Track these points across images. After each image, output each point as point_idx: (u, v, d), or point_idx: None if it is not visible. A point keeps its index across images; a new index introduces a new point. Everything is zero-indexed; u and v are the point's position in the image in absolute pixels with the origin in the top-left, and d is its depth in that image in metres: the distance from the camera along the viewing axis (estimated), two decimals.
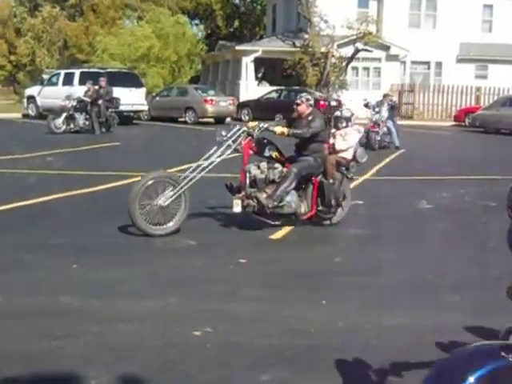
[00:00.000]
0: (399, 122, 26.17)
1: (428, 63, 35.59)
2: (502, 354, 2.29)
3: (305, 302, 5.23)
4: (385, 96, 18.97)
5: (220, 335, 4.46)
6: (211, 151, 7.74)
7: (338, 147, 8.45)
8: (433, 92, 33.57)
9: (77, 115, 20.45)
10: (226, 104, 27.96)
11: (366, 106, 18.32)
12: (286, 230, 7.66)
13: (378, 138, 17.50)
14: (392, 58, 34.18)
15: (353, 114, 9.07)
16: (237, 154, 7.99)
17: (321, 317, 4.90)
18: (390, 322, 4.79)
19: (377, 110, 17.81)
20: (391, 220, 8.61)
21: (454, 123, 30.45)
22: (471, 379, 2.23)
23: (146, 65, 33.55)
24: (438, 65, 35.53)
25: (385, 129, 17.82)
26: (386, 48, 33.87)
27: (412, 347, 4.38)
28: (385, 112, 17.80)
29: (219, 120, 27.67)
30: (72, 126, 20.43)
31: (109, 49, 34.46)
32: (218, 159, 7.62)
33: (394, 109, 19.05)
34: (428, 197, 10.21)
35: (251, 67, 34.26)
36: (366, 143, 17.29)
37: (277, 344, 4.34)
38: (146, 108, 26.99)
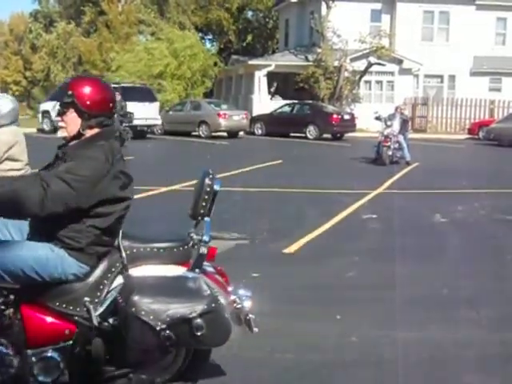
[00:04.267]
0: (412, 136, 26.17)
1: (441, 76, 35.55)
2: None
3: (319, 316, 5.19)
4: (397, 108, 18.45)
5: (232, 350, 4.43)
6: None
7: None
8: (446, 105, 33.50)
9: None
10: (239, 118, 28.04)
11: (378, 118, 17.74)
12: (299, 244, 7.63)
13: (390, 153, 17.00)
14: (405, 71, 34.18)
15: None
16: None
17: (335, 332, 4.87)
18: (404, 337, 4.75)
19: (388, 123, 17.20)
20: (405, 234, 8.56)
21: (467, 136, 30.34)
22: None
23: (164, 80, 33.91)
24: (452, 78, 35.48)
25: (396, 143, 17.33)
26: (399, 62, 33.89)
27: (427, 362, 4.34)
28: (397, 126, 17.30)
29: (232, 134, 27.76)
30: None
31: (124, 65, 34.79)
32: None
33: (405, 122, 18.58)
34: (442, 210, 10.15)
35: (264, 81, 34.38)
36: (377, 158, 17.10)
37: (290, 359, 4.32)
38: (159, 122, 27.12)
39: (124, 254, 3.41)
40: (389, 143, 16.93)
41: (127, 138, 24.24)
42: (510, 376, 4.20)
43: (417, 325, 5.03)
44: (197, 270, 3.47)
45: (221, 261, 6.96)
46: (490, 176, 15.69)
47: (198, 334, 3.11)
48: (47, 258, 3.22)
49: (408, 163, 17.15)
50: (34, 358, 3.22)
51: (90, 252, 3.31)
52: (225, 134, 27.77)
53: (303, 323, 5.01)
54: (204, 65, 35.91)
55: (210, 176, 3.58)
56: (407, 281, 6.29)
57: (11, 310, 3.26)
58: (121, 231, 3.49)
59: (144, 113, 24.62)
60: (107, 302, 3.29)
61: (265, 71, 34.10)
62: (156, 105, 26.65)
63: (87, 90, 3.36)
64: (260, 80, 34.25)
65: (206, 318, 3.13)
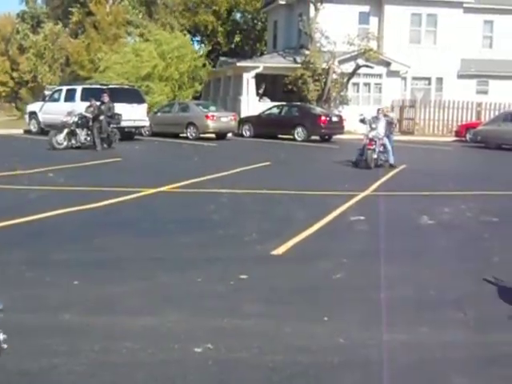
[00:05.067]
0: (399, 138, 26.27)
1: (429, 79, 35.73)
2: None
3: (306, 318, 5.20)
4: (379, 111, 17.58)
5: (221, 352, 4.43)
6: None
7: None
8: (434, 107, 33.67)
9: (78, 131, 20.53)
10: (227, 120, 28.03)
11: (362, 121, 17.20)
12: (287, 245, 7.64)
13: (375, 156, 16.49)
14: (393, 73, 34.32)
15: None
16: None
17: (322, 333, 4.88)
18: (391, 338, 4.77)
19: (373, 126, 16.63)
20: (392, 236, 8.59)
21: (454, 138, 30.50)
22: None
23: (152, 82, 33.84)
24: (439, 80, 35.66)
25: (381, 147, 16.82)
26: (387, 64, 34.03)
27: (414, 363, 4.36)
28: (381, 128, 16.70)
29: (220, 135, 27.74)
30: (74, 141, 20.50)
31: (112, 67, 34.69)
32: None
33: (390, 124, 17.99)
34: (429, 212, 10.20)
35: (252, 83, 34.39)
36: (360, 161, 16.65)
37: (278, 360, 4.32)
38: (147, 124, 27.06)
39: None
40: (374, 146, 16.44)
41: (115, 139, 24.34)
42: (496, 377, 4.23)
43: (404, 326, 5.05)
44: None
45: (208, 262, 6.98)
46: (477, 178, 15.78)
47: None
48: None
49: (392, 166, 16.76)
50: None
51: None
52: (213, 135, 27.75)
53: (291, 325, 5.01)
54: (192, 66, 35.88)
55: None
56: (395, 282, 6.32)
57: None
58: None
59: (132, 114, 24.55)
60: None
61: (253, 73, 34.10)
62: (144, 106, 26.58)
63: None
64: (248, 82, 34.26)
65: None
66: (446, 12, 34.52)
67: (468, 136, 28.86)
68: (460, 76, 35.37)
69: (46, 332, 4.74)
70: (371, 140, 16.44)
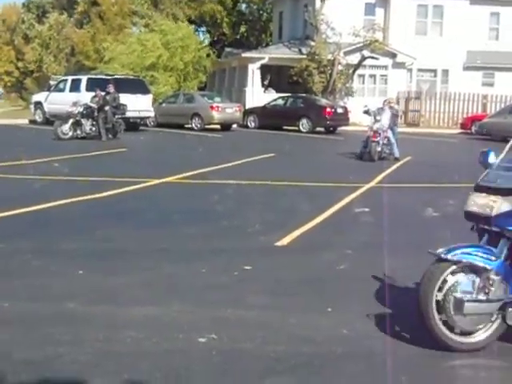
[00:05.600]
0: (405, 130, 26.21)
1: (435, 71, 35.57)
2: None
3: (310, 309, 5.21)
4: (385, 102, 17.52)
5: (225, 342, 4.45)
6: None
7: None
8: (439, 99, 33.55)
9: (83, 121, 20.54)
10: (232, 111, 28.00)
11: (366, 112, 16.94)
12: (291, 236, 7.65)
13: (379, 149, 16.30)
14: (398, 65, 34.19)
15: None
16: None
17: (326, 324, 4.89)
18: (395, 330, 4.77)
19: (378, 117, 16.40)
20: (397, 227, 8.59)
21: (460, 131, 30.41)
22: None
23: (157, 72, 33.79)
24: (445, 72, 35.51)
25: (385, 139, 16.62)
26: (393, 55, 33.89)
27: (417, 356, 4.36)
28: (386, 120, 16.46)
29: (225, 127, 27.73)
30: (79, 132, 20.52)
31: (117, 57, 34.67)
32: None
33: (395, 116, 17.76)
34: (434, 204, 10.18)
35: (257, 74, 34.32)
36: (364, 153, 16.44)
37: (282, 351, 4.33)
38: (152, 114, 27.04)
39: None
40: (378, 138, 16.25)
41: (120, 129, 24.34)
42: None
43: (407, 318, 5.05)
44: None
45: (213, 253, 6.99)
46: (482, 170, 15.73)
47: None
48: None
49: (397, 159, 16.58)
50: None
51: None
52: (218, 126, 27.74)
53: (295, 315, 5.03)
54: (196, 57, 35.81)
55: None
56: (398, 273, 6.32)
57: None
58: None
59: (137, 105, 24.54)
60: None
61: (258, 64, 34.03)
62: (149, 97, 26.56)
63: None
64: (253, 73, 34.19)
65: None
66: (452, 3, 34.32)
67: (474, 128, 28.75)
68: (466, 68, 35.21)
69: (51, 321, 4.76)
70: (375, 132, 16.26)
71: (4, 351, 4.18)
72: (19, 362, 4.03)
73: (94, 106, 20.72)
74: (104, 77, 25.16)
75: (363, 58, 32.35)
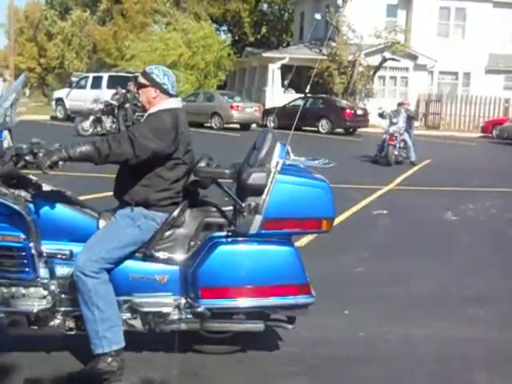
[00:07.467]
0: (425, 132, 26.08)
1: (456, 74, 35.36)
2: None
3: (327, 311, 5.20)
4: (400, 104, 16.98)
5: (239, 343, 4.46)
6: None
7: None
8: (460, 103, 33.34)
9: (104, 118, 20.66)
10: (251, 110, 28.01)
11: (381, 115, 16.63)
12: (308, 238, 7.64)
13: (396, 153, 16.03)
14: (420, 67, 34.02)
15: None
16: None
17: (342, 327, 4.89)
18: (410, 333, 4.76)
19: (394, 120, 16.06)
20: (415, 231, 8.56)
21: (480, 134, 30.19)
22: None
23: (178, 71, 33.93)
24: (467, 75, 35.28)
25: (402, 142, 16.37)
26: (414, 57, 33.73)
27: (433, 359, 4.35)
28: (402, 123, 16.18)
29: (245, 126, 27.75)
30: (99, 128, 20.65)
31: (138, 55, 34.85)
32: None
33: (411, 119, 17.48)
34: (453, 208, 10.13)
35: (278, 74, 34.31)
36: (380, 157, 16.18)
37: (297, 353, 4.34)
38: None
39: None
40: (395, 142, 15.96)
41: None
42: None
43: (424, 322, 5.04)
44: None
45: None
46: (502, 175, 15.62)
47: None
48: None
49: (413, 163, 16.34)
50: None
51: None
52: (237, 126, 27.76)
53: (310, 317, 5.01)
54: (217, 56, 35.88)
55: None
56: (416, 277, 6.30)
57: None
58: None
59: None
60: None
61: (279, 64, 34.03)
62: None
63: None
64: (274, 73, 34.19)
65: None
66: (475, 6, 34.10)
67: (494, 132, 28.54)
68: (488, 71, 34.95)
69: None
70: (391, 135, 15.96)
71: None
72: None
73: (115, 103, 20.83)
74: (125, 74, 25.30)
75: (384, 60, 32.21)
